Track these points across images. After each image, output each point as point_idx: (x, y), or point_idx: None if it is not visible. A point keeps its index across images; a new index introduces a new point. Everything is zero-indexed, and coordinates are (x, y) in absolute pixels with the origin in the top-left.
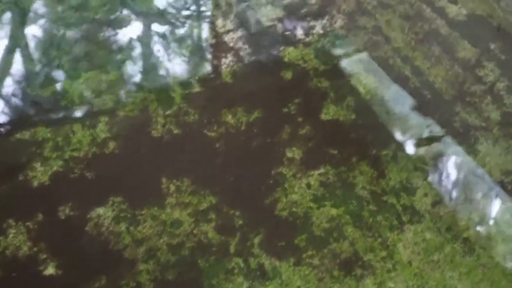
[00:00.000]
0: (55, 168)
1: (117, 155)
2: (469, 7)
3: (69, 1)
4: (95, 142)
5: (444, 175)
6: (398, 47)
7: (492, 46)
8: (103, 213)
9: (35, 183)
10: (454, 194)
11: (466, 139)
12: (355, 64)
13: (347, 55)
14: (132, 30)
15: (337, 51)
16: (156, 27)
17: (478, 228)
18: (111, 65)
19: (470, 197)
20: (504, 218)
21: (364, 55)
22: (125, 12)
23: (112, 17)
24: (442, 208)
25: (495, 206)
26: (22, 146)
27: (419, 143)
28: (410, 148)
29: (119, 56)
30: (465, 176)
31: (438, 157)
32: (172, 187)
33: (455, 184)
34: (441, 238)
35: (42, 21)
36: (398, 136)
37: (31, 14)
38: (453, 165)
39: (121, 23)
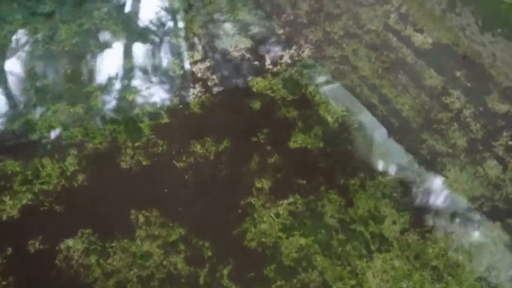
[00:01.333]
0: (24, 201)
1: (86, 188)
2: (434, 36)
3: (36, 35)
4: (64, 175)
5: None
6: (365, 75)
7: (458, 74)
8: (73, 245)
9: (4, 217)
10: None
11: (434, 166)
12: (323, 93)
13: (315, 84)
14: (100, 62)
15: (305, 81)
16: (127, 58)
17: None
18: (79, 97)
19: (445, 223)
20: (474, 245)
21: (332, 84)
22: (94, 44)
23: (80, 49)
24: (411, 236)
25: (465, 233)
26: None
27: (400, 169)
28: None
29: (87, 88)
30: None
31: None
32: (142, 219)
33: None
34: (410, 266)
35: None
36: (379, 162)
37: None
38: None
39: (90, 55)
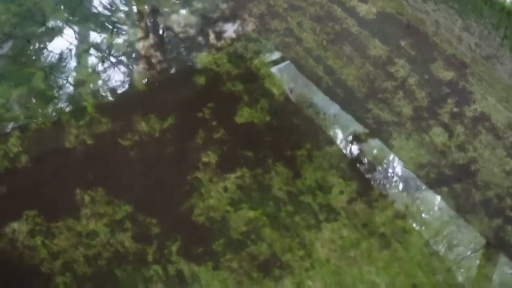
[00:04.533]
0: None
1: (30, 169)
2: (378, 5)
3: None
4: (7, 157)
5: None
6: (310, 47)
7: (402, 43)
8: (18, 227)
9: None
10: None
11: (380, 135)
12: (267, 66)
13: (259, 57)
14: (42, 42)
15: (250, 55)
16: (70, 37)
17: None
18: (22, 78)
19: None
20: (421, 212)
21: (276, 55)
22: (35, 24)
23: (20, 30)
24: (358, 205)
25: (412, 200)
26: None
27: (358, 138)
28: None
29: (30, 69)
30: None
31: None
32: (87, 198)
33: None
34: (358, 235)
35: None
36: (325, 132)
37: None
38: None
39: (31, 36)
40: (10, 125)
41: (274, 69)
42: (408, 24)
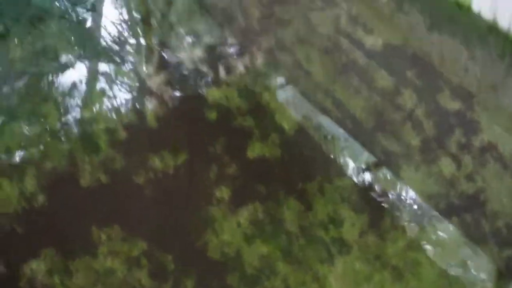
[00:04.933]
0: None
1: (46, 207)
2: (384, 36)
3: None
4: (24, 196)
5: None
6: (319, 80)
7: (409, 74)
8: (36, 266)
9: None
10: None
11: (389, 166)
12: (277, 99)
13: (269, 92)
14: (56, 80)
15: (259, 89)
16: (81, 74)
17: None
18: (36, 116)
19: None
20: (432, 242)
21: (286, 90)
22: (49, 62)
23: (35, 68)
24: (370, 237)
25: (423, 231)
26: None
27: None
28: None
29: (43, 108)
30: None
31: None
32: (103, 236)
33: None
34: (370, 267)
35: None
36: (336, 165)
37: None
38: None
39: (45, 74)
40: (26, 164)
41: (283, 102)
42: (414, 54)
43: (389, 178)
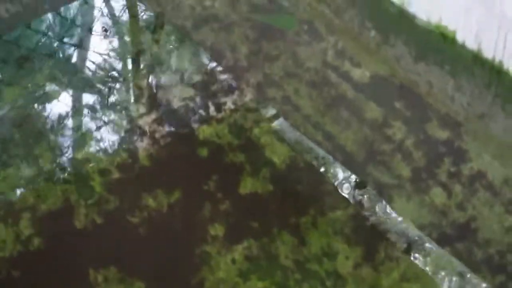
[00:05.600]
0: None
1: (42, 251)
2: (371, 68)
3: None
4: (20, 240)
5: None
6: (308, 114)
7: (397, 105)
8: None
9: None
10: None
11: (381, 198)
12: (267, 134)
13: (259, 127)
14: (47, 122)
15: (249, 124)
16: (75, 117)
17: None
18: (29, 160)
19: (396, 254)
20: (426, 273)
21: (275, 124)
22: (40, 105)
23: (26, 111)
24: (364, 270)
25: (417, 262)
26: None
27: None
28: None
29: (36, 150)
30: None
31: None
32: (100, 277)
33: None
34: None
35: None
36: (328, 197)
37: None
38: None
39: (36, 117)
40: (21, 208)
41: (273, 136)
42: (401, 85)
43: (378, 207)
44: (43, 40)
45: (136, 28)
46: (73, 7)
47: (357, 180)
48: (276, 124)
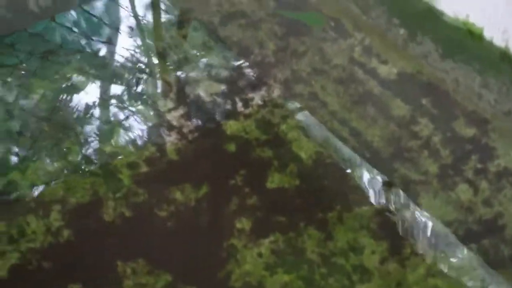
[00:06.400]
0: (12, 261)
1: (72, 242)
2: (399, 65)
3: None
4: (50, 231)
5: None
6: (335, 110)
7: (424, 102)
8: None
9: None
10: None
11: (408, 194)
12: (294, 130)
13: (286, 122)
14: (76, 115)
15: (277, 120)
16: (104, 111)
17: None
18: (59, 153)
19: (422, 250)
20: (452, 269)
21: (302, 118)
22: (69, 98)
23: (55, 104)
24: (390, 264)
25: (443, 258)
26: None
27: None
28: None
29: (66, 144)
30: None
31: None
32: (128, 270)
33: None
34: None
35: None
36: (354, 193)
37: None
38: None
39: (65, 110)
40: (51, 200)
41: (300, 132)
42: (428, 82)
43: (406, 209)
44: (69, 34)
45: (163, 24)
46: (100, 3)
47: (384, 178)
48: (300, 118)
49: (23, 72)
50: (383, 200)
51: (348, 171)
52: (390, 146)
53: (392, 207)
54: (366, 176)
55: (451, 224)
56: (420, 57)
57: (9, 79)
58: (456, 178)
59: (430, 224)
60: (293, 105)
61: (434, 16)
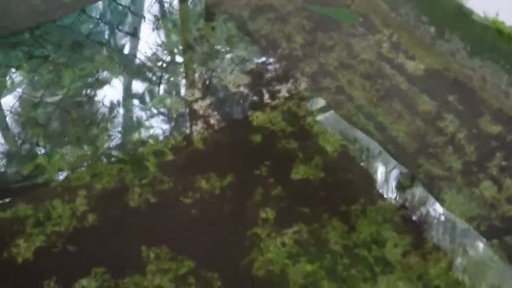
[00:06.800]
0: (38, 243)
1: (97, 227)
2: (426, 62)
3: (38, 79)
4: (75, 216)
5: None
6: (361, 104)
7: (450, 98)
8: (87, 284)
9: (19, 260)
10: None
11: (431, 190)
12: (321, 123)
13: (312, 115)
14: (103, 104)
15: (303, 113)
16: (131, 100)
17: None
18: (86, 139)
19: (444, 244)
20: (473, 264)
21: (329, 114)
22: (96, 87)
23: (83, 93)
24: (412, 258)
25: (465, 253)
26: (4, 224)
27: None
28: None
29: (92, 131)
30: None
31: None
32: (152, 255)
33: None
34: (413, 287)
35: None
36: (379, 187)
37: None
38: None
39: (93, 98)
40: (77, 185)
41: (326, 125)
42: (455, 79)
43: (429, 203)
44: (95, 26)
45: (192, 16)
46: None
47: (407, 173)
48: (324, 117)
49: (51, 65)
50: (406, 195)
51: (372, 165)
52: (415, 141)
53: (414, 201)
54: (390, 170)
55: (473, 220)
56: (447, 54)
57: (38, 71)
58: (480, 174)
59: (452, 219)
60: (320, 103)
61: (463, 14)
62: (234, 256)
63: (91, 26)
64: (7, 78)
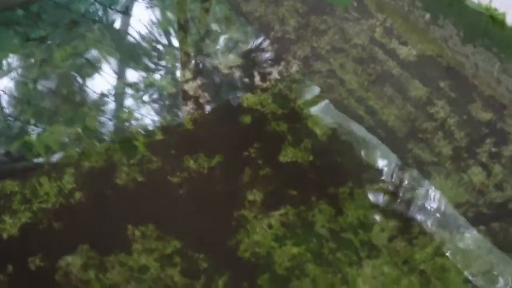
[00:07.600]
0: (23, 220)
1: (83, 205)
2: (418, 48)
3: (31, 59)
4: (62, 193)
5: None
6: (352, 88)
7: (442, 84)
8: (72, 261)
9: (5, 236)
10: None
11: (420, 175)
12: (310, 106)
13: (302, 98)
14: (94, 82)
15: (293, 95)
16: (117, 80)
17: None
18: (75, 118)
19: (431, 229)
20: (460, 250)
21: (320, 97)
22: (87, 65)
23: (74, 71)
24: (399, 242)
25: (451, 238)
26: None
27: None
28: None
29: (82, 109)
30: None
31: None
32: (138, 233)
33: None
34: (398, 271)
35: (13, 75)
36: (366, 171)
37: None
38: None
39: (84, 76)
40: (65, 163)
41: (315, 109)
42: (448, 66)
43: (418, 187)
44: (92, 5)
45: None
46: None
47: (397, 158)
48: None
49: (46, 46)
50: (394, 180)
51: (362, 149)
52: (405, 126)
53: (403, 186)
54: (379, 155)
55: (461, 206)
56: (440, 40)
57: (33, 52)
58: (470, 160)
59: (440, 205)
60: (311, 86)
61: (457, 0)
62: (220, 237)
63: (86, 5)
64: (3, 62)
